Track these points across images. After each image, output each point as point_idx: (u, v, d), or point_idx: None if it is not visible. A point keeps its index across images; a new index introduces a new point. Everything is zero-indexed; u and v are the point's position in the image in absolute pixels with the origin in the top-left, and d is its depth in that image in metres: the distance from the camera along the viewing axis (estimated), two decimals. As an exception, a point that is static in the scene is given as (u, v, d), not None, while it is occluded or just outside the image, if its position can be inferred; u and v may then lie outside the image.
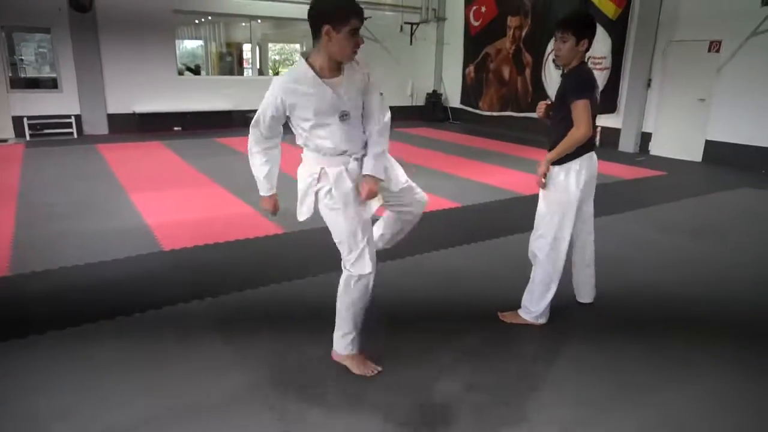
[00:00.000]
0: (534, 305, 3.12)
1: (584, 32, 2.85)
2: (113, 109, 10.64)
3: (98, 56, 10.26)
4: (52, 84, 10.32)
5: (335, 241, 2.50)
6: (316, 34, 2.21)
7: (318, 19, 2.17)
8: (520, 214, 5.48)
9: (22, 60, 10.81)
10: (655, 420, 2.31)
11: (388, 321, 3.14)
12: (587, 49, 2.92)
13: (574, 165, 2.94)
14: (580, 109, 2.79)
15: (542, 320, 3.14)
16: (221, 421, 2.25)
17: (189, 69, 12.83)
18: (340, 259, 2.53)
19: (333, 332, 2.66)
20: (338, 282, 2.56)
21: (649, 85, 9.57)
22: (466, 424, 2.26)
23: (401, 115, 13.90)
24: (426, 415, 2.31)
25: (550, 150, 2.96)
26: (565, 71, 3.02)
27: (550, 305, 3.12)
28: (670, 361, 2.79)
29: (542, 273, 3.08)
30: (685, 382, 2.61)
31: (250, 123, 2.45)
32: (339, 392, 2.48)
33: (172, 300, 3.33)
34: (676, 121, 9.29)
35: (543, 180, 2.97)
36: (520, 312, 3.18)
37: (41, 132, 9.95)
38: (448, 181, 7.02)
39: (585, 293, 3.37)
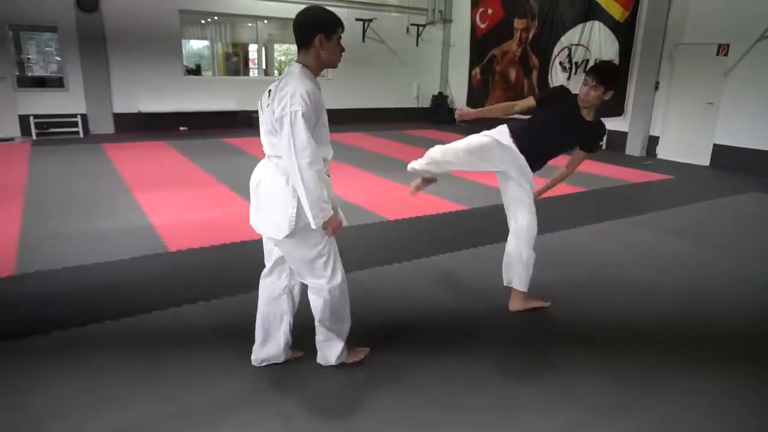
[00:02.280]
0: None
1: (612, 84, 3.04)
2: (119, 108, 10.66)
3: (105, 55, 10.28)
4: (58, 83, 10.34)
5: (312, 260, 2.37)
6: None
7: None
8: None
9: (28, 59, 10.84)
10: (657, 425, 2.29)
11: (392, 324, 3.12)
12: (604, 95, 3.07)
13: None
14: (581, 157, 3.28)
15: None
16: (225, 426, 2.23)
17: (190, 71, 12.81)
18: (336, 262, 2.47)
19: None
20: (345, 284, 2.52)
21: (656, 88, 9.52)
22: (470, 429, 2.24)
23: (407, 117, 13.90)
24: (430, 418, 2.29)
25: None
26: (590, 117, 3.16)
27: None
28: (674, 366, 2.76)
29: None
30: (687, 387, 2.58)
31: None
32: (346, 396, 2.46)
33: (177, 302, 3.32)
34: (684, 125, 9.23)
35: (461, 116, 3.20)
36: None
37: (47, 131, 9.97)
38: (454, 183, 6.99)
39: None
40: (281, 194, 2.25)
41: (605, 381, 2.62)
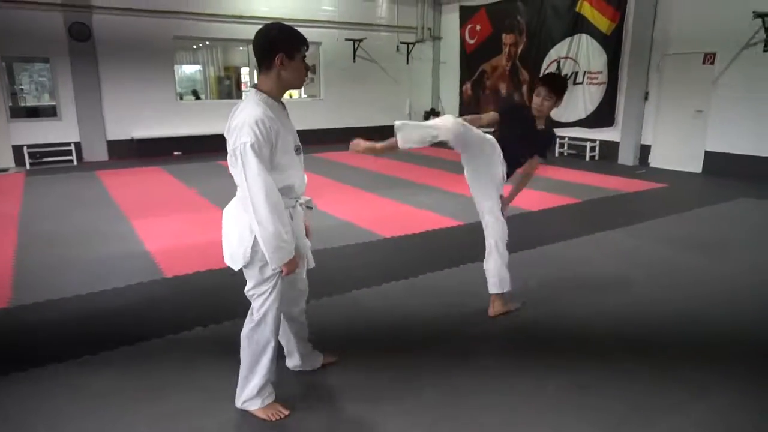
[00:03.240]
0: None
1: (562, 94, 3.29)
2: (112, 135, 10.68)
3: (97, 83, 10.33)
4: (51, 112, 10.37)
5: (251, 293, 2.31)
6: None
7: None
8: (525, 230, 5.46)
9: (22, 89, 10.87)
10: (672, 440, 2.27)
11: (393, 342, 3.11)
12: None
13: None
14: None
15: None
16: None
17: (191, 94, 13.00)
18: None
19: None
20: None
21: (646, 98, 9.62)
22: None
23: (400, 134, 13.97)
24: (437, 442, 2.27)
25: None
26: (541, 125, 3.37)
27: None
28: (674, 377, 2.74)
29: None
30: (691, 402, 2.56)
31: None
32: (352, 417, 2.43)
33: (175, 328, 3.29)
34: (675, 133, 9.32)
35: None
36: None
37: (41, 160, 9.97)
38: (450, 199, 7.01)
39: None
40: (240, 226, 2.18)
41: (606, 394, 2.60)
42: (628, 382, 2.71)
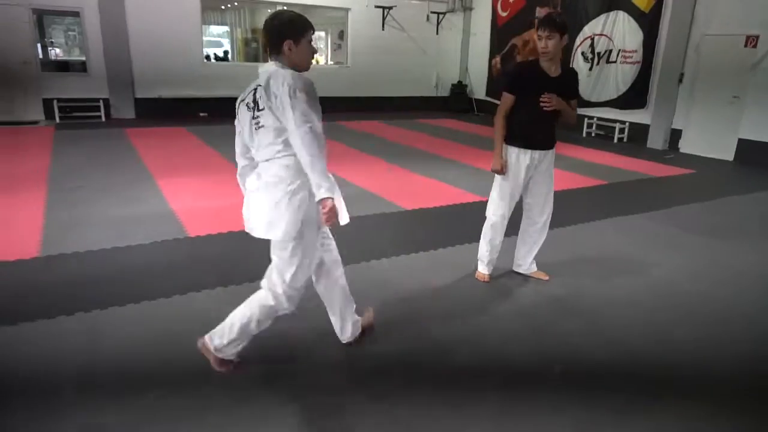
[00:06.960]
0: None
1: (564, 30, 3.18)
2: (140, 93, 10.77)
3: (126, 40, 10.37)
4: (81, 67, 10.47)
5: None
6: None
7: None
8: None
9: (52, 43, 10.98)
10: (671, 425, 2.29)
11: (407, 316, 3.15)
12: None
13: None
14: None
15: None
16: (242, 410, 2.28)
17: (217, 57, 13.01)
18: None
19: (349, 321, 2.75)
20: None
21: (681, 80, 9.32)
22: (480, 428, 2.26)
23: (425, 106, 13.83)
24: (439, 415, 2.31)
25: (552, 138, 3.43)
26: (556, 71, 3.27)
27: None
28: (692, 365, 2.75)
29: None
30: (700, 386, 2.57)
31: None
32: (368, 387, 2.49)
33: (196, 286, 3.37)
34: (708, 118, 9.04)
35: None
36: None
37: (70, 114, 10.12)
38: (471, 173, 6.96)
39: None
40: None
41: (618, 380, 2.61)
42: (636, 365, 2.72)
